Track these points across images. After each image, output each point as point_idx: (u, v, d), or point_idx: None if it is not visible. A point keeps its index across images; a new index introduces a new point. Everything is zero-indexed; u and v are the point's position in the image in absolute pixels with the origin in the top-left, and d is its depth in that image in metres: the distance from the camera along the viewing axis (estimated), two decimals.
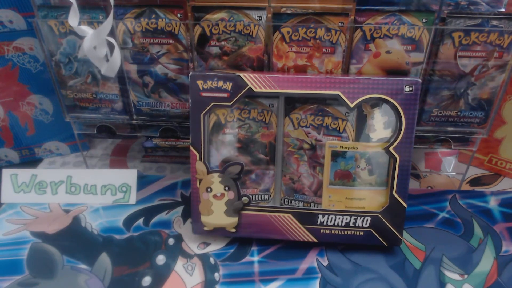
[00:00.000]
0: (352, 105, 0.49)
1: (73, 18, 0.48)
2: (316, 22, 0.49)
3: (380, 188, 0.52)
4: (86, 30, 0.48)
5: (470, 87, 0.53)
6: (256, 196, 0.55)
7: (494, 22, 0.48)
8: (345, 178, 0.53)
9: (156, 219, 0.59)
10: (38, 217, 0.60)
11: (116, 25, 0.52)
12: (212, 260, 0.53)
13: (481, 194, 0.64)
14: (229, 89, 0.49)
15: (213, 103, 0.50)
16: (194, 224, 0.54)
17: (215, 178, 0.52)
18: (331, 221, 0.52)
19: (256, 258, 0.53)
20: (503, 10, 0.49)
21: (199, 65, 0.54)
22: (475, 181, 0.68)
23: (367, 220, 0.52)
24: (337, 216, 0.52)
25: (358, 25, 0.49)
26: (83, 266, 0.52)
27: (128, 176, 0.62)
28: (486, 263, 0.52)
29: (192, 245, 0.55)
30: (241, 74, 0.49)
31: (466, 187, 0.66)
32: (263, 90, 0.49)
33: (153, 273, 0.51)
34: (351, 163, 0.52)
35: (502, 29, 0.48)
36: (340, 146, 0.52)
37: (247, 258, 0.53)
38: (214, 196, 0.52)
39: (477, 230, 0.57)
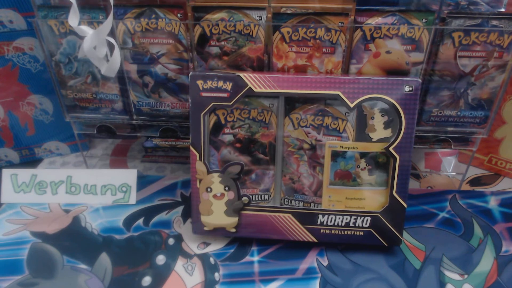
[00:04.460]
0: (352, 105, 0.49)
1: (73, 18, 0.48)
2: (316, 22, 0.49)
3: (380, 188, 0.52)
4: (86, 30, 0.48)
5: (470, 87, 0.53)
6: (256, 196, 0.55)
7: (494, 22, 0.48)
8: (345, 178, 0.53)
9: (156, 219, 0.59)
10: (38, 217, 0.60)
11: (116, 25, 0.52)
12: (212, 260, 0.53)
13: (481, 194, 0.64)
14: (229, 89, 0.49)
15: (213, 103, 0.50)
16: (194, 224, 0.54)
17: (215, 178, 0.52)
18: (331, 221, 0.52)
19: (256, 258, 0.53)
20: (503, 10, 0.49)
21: (199, 65, 0.54)
22: (475, 181, 0.68)
23: (367, 220, 0.52)
24: (337, 216, 0.52)
25: (358, 25, 0.49)
26: (83, 266, 0.52)
27: (128, 176, 0.62)
28: (486, 263, 0.52)
29: (192, 245, 0.55)
30: (241, 74, 0.49)
31: (466, 187, 0.66)
32: (263, 90, 0.49)
33: (153, 273, 0.51)
34: (351, 163, 0.52)
35: (502, 29, 0.48)
36: (340, 146, 0.52)
37: (247, 258, 0.53)
38: (214, 196, 0.52)
39: (477, 230, 0.57)
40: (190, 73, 0.50)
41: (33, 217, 0.60)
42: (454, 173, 0.69)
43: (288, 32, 0.50)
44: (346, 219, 0.52)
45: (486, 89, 0.53)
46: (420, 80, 0.48)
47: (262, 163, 0.54)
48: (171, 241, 0.56)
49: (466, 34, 0.49)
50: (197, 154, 0.51)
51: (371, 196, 0.53)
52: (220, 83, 0.49)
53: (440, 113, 0.55)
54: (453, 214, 0.60)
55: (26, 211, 0.61)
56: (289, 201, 0.55)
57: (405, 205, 0.51)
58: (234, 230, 0.53)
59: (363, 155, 0.52)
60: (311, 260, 0.53)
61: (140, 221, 0.59)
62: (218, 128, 0.52)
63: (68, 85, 0.57)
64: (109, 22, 0.48)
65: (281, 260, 0.53)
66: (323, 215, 0.52)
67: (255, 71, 0.53)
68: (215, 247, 0.55)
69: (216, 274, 0.51)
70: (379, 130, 0.51)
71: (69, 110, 0.60)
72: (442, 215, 0.60)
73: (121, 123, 0.61)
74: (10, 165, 0.72)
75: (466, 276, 0.51)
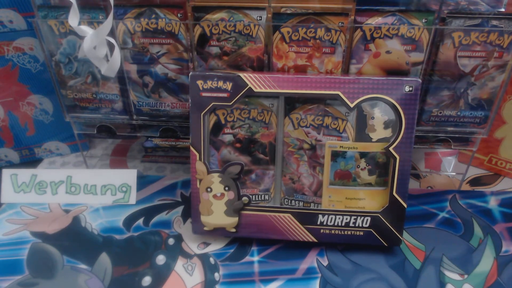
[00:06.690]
0: (352, 105, 0.49)
1: (73, 18, 0.48)
2: (316, 22, 0.49)
3: (380, 188, 0.52)
4: (86, 30, 0.48)
5: (470, 87, 0.53)
6: (256, 196, 0.55)
7: (494, 22, 0.48)
8: (345, 178, 0.53)
9: (156, 219, 0.59)
10: (38, 217, 0.60)
11: (116, 25, 0.52)
12: (212, 260, 0.53)
13: (481, 194, 0.64)
14: (229, 89, 0.49)
15: (213, 103, 0.50)
16: (194, 224, 0.54)
17: (215, 178, 0.52)
18: (331, 221, 0.52)
19: (256, 258, 0.53)
20: (503, 10, 0.49)
21: (199, 65, 0.54)
22: (475, 181, 0.68)
23: (367, 220, 0.52)
24: (337, 216, 0.52)
25: (358, 25, 0.49)
26: (83, 266, 0.52)
27: (128, 176, 0.62)
28: (486, 263, 0.52)
29: (192, 245, 0.55)
30: (241, 74, 0.49)
31: (466, 187, 0.66)
32: (263, 90, 0.49)
33: (153, 273, 0.51)
34: (351, 163, 0.52)
35: (502, 29, 0.48)
36: (340, 146, 0.52)
37: (247, 258, 0.53)
38: (214, 196, 0.52)
39: (477, 230, 0.57)
40: (190, 73, 0.50)
41: (33, 217, 0.60)
42: (454, 173, 0.69)
43: (288, 32, 0.50)
44: (346, 219, 0.52)
45: (486, 89, 0.53)
46: (420, 80, 0.48)
47: (262, 163, 0.54)
48: (171, 241, 0.56)
49: (466, 34, 0.49)
50: (197, 154, 0.51)
51: (371, 196, 0.53)
52: (220, 83, 0.49)
53: (440, 113, 0.55)
54: (453, 214, 0.60)
55: (26, 211, 0.61)
56: (289, 201, 0.55)
57: (405, 205, 0.51)
58: (234, 230, 0.53)
59: (363, 155, 0.52)
60: (311, 260, 0.53)
61: (140, 221, 0.59)
62: (218, 128, 0.52)
63: (68, 85, 0.57)
64: (109, 22, 0.48)
65: (281, 260, 0.53)
66: (323, 215, 0.52)
67: (255, 71, 0.53)
68: (215, 247, 0.55)
69: (216, 274, 0.51)
70: (379, 130, 0.51)
71: (69, 110, 0.60)
72: (442, 215, 0.60)
73: (121, 123, 0.61)
74: (10, 165, 0.72)
75: (466, 276, 0.51)
